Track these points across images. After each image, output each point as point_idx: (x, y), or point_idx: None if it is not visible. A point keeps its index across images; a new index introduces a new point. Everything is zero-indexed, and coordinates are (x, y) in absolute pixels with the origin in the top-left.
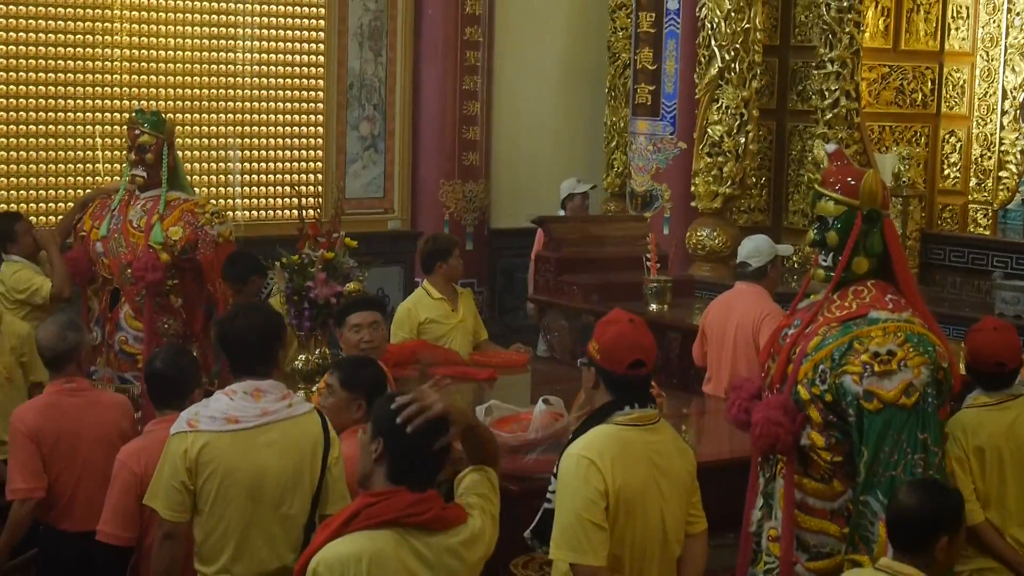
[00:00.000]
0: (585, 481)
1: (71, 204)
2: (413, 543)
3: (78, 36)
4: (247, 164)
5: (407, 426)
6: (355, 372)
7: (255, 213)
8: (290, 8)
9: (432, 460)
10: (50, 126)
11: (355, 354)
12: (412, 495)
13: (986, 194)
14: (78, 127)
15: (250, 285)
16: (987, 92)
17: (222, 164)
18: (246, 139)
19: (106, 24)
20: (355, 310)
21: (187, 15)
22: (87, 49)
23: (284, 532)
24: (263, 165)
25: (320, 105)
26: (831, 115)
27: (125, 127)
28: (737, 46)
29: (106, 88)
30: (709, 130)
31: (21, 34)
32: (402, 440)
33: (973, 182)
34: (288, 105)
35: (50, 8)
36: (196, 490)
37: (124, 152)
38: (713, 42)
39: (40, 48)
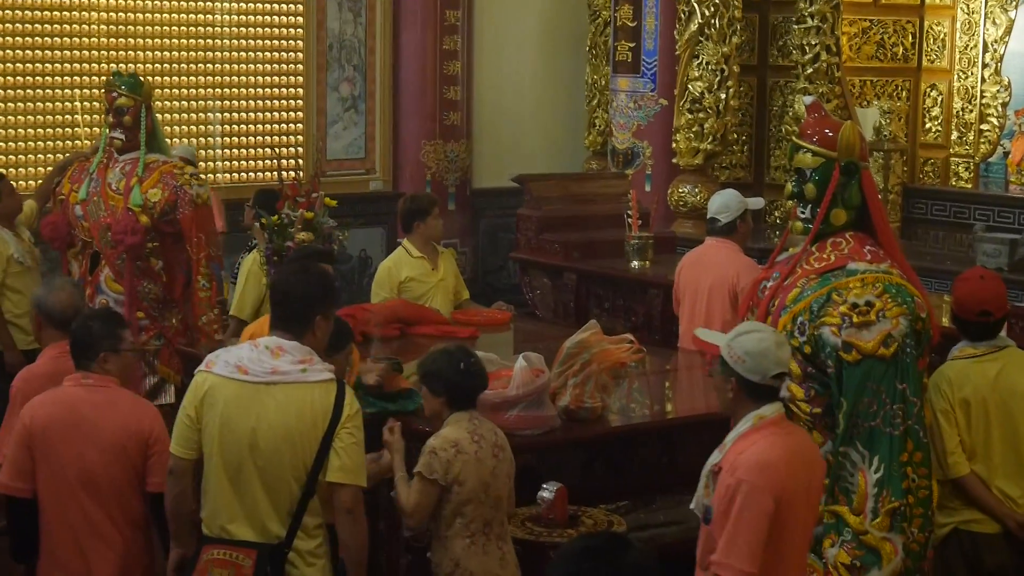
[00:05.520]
0: None
1: (51, 167)
2: None
3: None
4: (227, 126)
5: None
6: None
7: (235, 175)
8: None
9: None
10: (28, 90)
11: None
12: None
13: (968, 147)
14: (56, 91)
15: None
16: (968, 45)
17: (202, 127)
18: (225, 101)
19: None
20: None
21: None
22: (64, 12)
23: (268, 496)
24: (243, 127)
25: (300, 67)
26: (812, 70)
27: (103, 90)
28: (716, 2)
29: (84, 52)
30: (690, 86)
31: None
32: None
33: (955, 135)
34: (267, 67)
35: None
36: (201, 429)
37: (103, 115)
38: None
39: (17, 12)
